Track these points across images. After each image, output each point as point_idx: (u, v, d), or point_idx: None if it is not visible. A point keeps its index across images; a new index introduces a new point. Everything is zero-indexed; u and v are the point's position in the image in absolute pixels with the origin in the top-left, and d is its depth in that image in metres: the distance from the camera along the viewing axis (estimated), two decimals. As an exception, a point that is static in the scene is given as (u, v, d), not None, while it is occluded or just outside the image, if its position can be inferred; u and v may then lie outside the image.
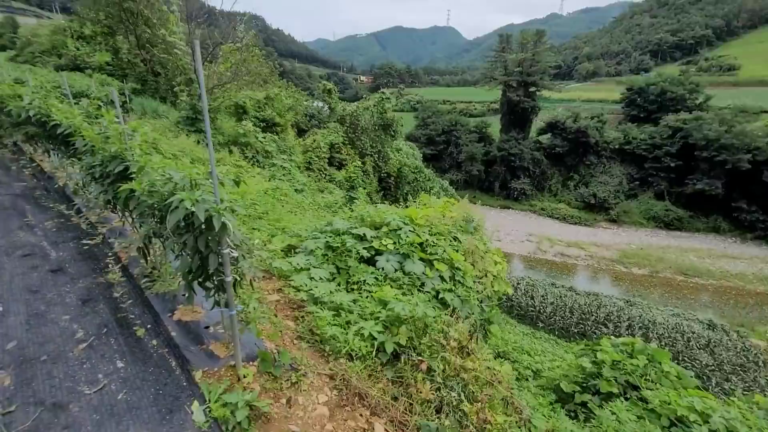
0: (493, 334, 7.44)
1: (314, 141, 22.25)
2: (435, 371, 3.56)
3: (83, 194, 6.63)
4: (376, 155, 26.51)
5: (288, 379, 3.23)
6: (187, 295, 2.85)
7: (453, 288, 5.45)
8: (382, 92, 27.55)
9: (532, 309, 18.19)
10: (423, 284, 5.34)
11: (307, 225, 7.23)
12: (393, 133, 27.79)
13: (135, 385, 3.02)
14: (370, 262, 5.51)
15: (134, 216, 3.93)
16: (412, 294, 4.93)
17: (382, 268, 5.34)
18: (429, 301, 4.99)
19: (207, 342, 3.46)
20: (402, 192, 27.23)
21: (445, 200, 8.01)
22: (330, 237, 5.72)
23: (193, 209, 2.33)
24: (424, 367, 3.60)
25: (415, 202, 8.41)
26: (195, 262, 2.61)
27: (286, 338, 3.89)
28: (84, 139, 4.12)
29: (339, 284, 5.00)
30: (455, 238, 6.43)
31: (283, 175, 15.83)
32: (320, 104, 29.08)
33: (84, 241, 5.47)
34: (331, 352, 3.77)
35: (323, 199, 16.61)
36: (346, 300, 4.37)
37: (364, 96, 38.57)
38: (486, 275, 6.56)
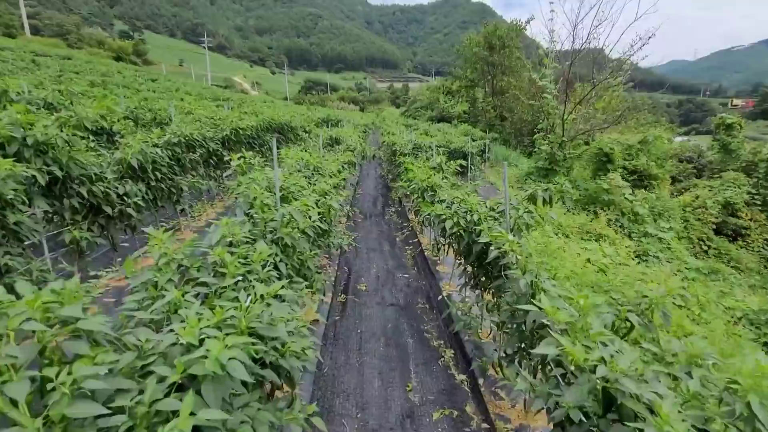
0: None
1: (696, 198, 15.75)
2: None
3: (472, 331, 4.42)
4: (815, 227, 16.04)
5: None
6: None
7: None
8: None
9: None
10: None
11: None
12: None
13: None
14: None
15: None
16: None
17: None
18: None
19: None
20: None
21: None
22: None
23: None
24: None
25: None
26: None
27: None
28: (535, 299, 2.06)
29: None
30: None
31: (660, 251, 11.21)
32: (701, 144, 21.22)
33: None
34: None
35: (725, 298, 10.61)
36: None
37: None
38: None
